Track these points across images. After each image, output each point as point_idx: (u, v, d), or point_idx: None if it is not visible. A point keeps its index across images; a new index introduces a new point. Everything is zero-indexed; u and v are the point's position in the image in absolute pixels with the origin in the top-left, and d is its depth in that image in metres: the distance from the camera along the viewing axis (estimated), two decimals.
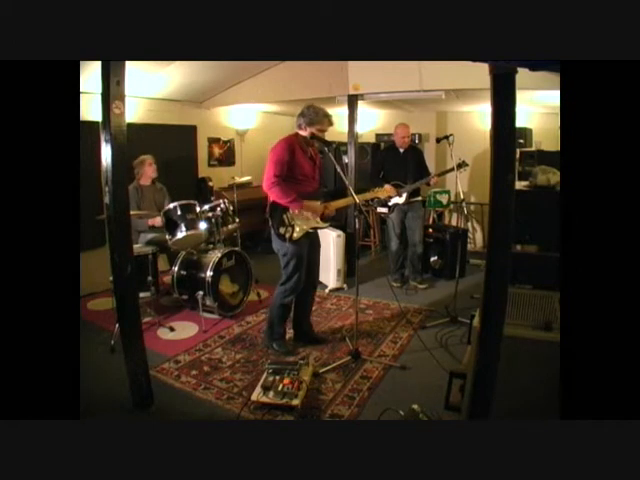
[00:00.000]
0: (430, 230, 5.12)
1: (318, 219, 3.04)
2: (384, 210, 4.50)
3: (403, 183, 4.36)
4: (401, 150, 4.46)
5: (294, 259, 2.99)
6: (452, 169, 3.94)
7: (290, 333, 3.40)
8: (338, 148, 5.60)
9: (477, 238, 6.27)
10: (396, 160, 4.45)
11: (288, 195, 2.87)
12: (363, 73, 4.52)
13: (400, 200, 4.37)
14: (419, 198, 4.57)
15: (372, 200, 4.49)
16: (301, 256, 3.01)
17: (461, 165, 3.97)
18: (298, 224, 2.95)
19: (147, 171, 4.08)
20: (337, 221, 5.12)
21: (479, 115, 5.99)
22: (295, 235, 2.94)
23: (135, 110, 4.67)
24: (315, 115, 2.92)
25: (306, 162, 3.01)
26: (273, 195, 2.91)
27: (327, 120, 2.96)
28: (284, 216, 2.95)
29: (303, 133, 2.98)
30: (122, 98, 2.16)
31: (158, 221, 3.87)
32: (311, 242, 3.10)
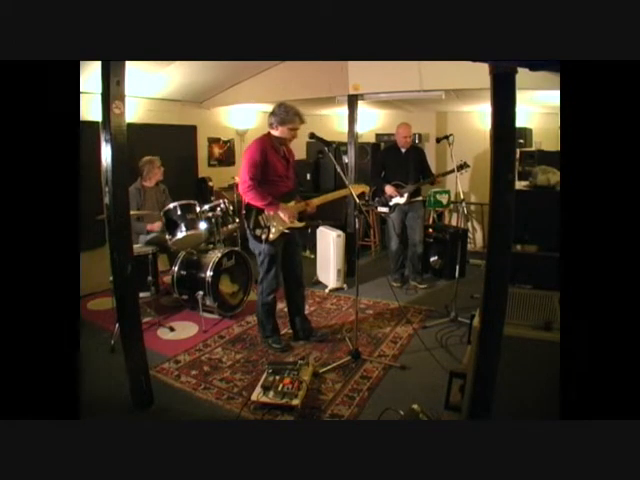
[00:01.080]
0: (430, 230, 5.12)
1: (294, 219, 3.05)
2: (385, 210, 4.50)
3: (404, 183, 4.35)
4: (403, 150, 4.44)
5: (267, 258, 3.03)
6: (453, 170, 3.94)
7: (290, 333, 3.41)
8: (338, 148, 5.61)
9: (477, 238, 6.27)
10: (397, 160, 4.43)
11: (264, 198, 2.89)
12: (363, 73, 4.52)
13: (401, 200, 4.36)
14: (420, 198, 4.55)
15: (373, 199, 4.49)
16: (275, 255, 3.03)
17: (462, 166, 3.97)
18: (274, 225, 2.97)
19: (156, 173, 4.08)
20: (337, 221, 5.13)
21: (479, 115, 5.99)
22: (271, 236, 2.97)
23: (135, 110, 4.67)
24: (286, 114, 2.91)
25: (279, 162, 3.01)
26: (249, 198, 2.93)
27: (298, 118, 2.95)
28: (260, 217, 2.96)
29: (275, 132, 2.98)
30: (122, 98, 2.16)
31: (157, 227, 3.87)
32: (288, 241, 3.11)
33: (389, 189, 4.35)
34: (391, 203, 4.42)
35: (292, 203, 3.04)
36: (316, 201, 3.14)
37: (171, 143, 5.17)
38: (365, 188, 3.38)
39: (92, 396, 2.27)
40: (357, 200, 2.88)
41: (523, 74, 1.53)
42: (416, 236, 4.51)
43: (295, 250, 3.23)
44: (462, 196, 3.81)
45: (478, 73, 1.87)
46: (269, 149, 2.95)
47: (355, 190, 3.13)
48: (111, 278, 2.57)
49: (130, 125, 2.31)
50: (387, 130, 6.61)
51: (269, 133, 3.01)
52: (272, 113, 2.96)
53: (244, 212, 3.03)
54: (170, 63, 4.06)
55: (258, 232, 2.97)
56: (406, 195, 4.34)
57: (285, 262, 3.15)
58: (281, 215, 2.95)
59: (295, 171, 3.24)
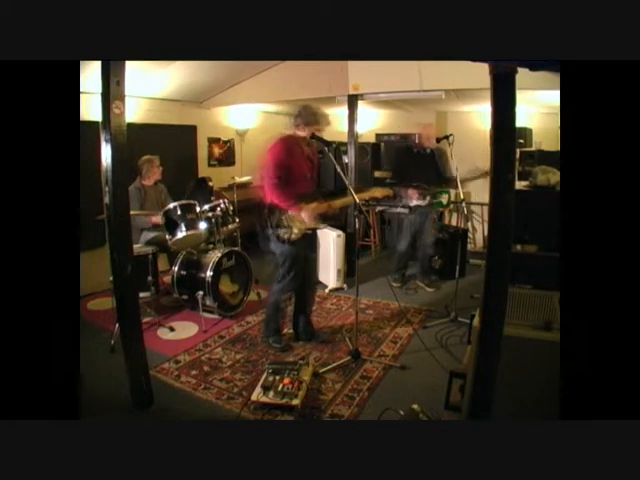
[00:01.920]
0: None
1: (317, 220, 3.04)
2: (405, 211, 4.44)
3: (426, 184, 4.27)
4: (425, 151, 4.35)
5: (290, 259, 3.02)
6: (479, 176, 3.91)
7: (291, 333, 3.41)
8: (338, 148, 5.61)
9: (477, 238, 6.27)
10: (420, 161, 4.35)
11: (289, 198, 2.88)
12: (363, 73, 4.51)
13: (423, 202, 4.30)
14: (436, 200, 4.48)
15: (394, 199, 4.45)
16: (297, 256, 3.02)
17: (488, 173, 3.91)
18: (297, 225, 2.96)
19: (155, 172, 4.09)
20: (337, 221, 5.12)
21: (479, 115, 5.99)
22: (293, 237, 2.95)
23: (135, 110, 4.67)
24: (313, 116, 2.94)
25: (304, 162, 3.02)
26: (274, 197, 2.91)
27: (324, 120, 2.98)
28: (282, 217, 2.95)
29: (301, 133, 2.99)
30: (122, 98, 2.16)
31: (160, 219, 3.86)
32: (308, 242, 3.10)
33: (412, 192, 4.27)
34: (412, 204, 4.35)
35: (314, 204, 3.02)
36: (338, 203, 3.13)
37: (171, 143, 5.17)
38: (389, 192, 3.38)
39: (92, 396, 2.28)
40: (357, 200, 2.88)
41: (523, 74, 1.52)
42: (430, 237, 4.48)
43: (310, 251, 3.23)
44: (462, 196, 3.81)
45: (478, 73, 1.86)
46: (295, 149, 2.96)
47: (379, 193, 3.17)
48: (111, 278, 2.57)
49: (130, 125, 2.31)
50: (387, 130, 6.61)
51: (294, 133, 3.02)
52: (298, 115, 2.98)
53: (267, 212, 2.98)
54: (170, 63, 4.06)
55: (281, 232, 2.95)
56: (428, 198, 4.28)
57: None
58: (304, 215, 2.94)
59: (318, 172, 3.24)
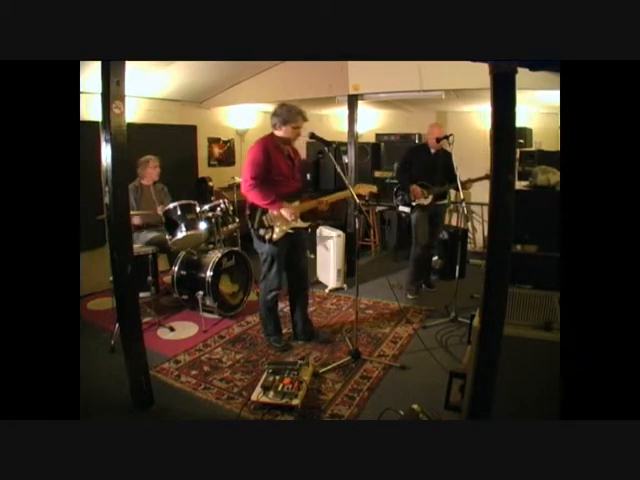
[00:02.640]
0: None
1: (299, 219, 3.04)
2: (406, 209, 4.33)
3: (430, 184, 4.16)
4: (432, 151, 4.22)
5: (269, 258, 3.04)
6: (484, 177, 3.86)
7: (290, 333, 3.41)
8: (338, 148, 5.61)
9: (477, 238, 6.27)
10: (425, 160, 4.24)
11: (266, 197, 2.88)
12: (363, 73, 4.51)
13: (425, 202, 4.19)
14: (446, 201, 4.41)
15: (396, 197, 4.40)
16: (277, 256, 3.03)
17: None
18: (278, 225, 2.97)
19: (150, 173, 4.09)
20: (337, 221, 5.13)
21: (479, 115, 5.98)
22: (275, 237, 2.96)
23: (135, 110, 4.67)
24: (288, 113, 2.92)
25: (283, 162, 3.00)
26: (251, 198, 2.93)
27: (301, 117, 2.95)
28: (263, 218, 2.95)
29: (279, 133, 2.98)
30: (122, 98, 2.16)
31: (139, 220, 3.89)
32: (292, 243, 3.10)
33: (416, 189, 4.14)
34: (414, 203, 4.22)
35: (296, 203, 3.01)
36: (328, 199, 3.13)
37: (171, 143, 5.17)
38: (373, 188, 3.34)
39: (92, 396, 2.28)
40: (357, 200, 2.88)
41: (523, 74, 1.52)
42: (432, 241, 4.41)
43: (300, 252, 3.23)
44: (462, 196, 3.79)
45: (478, 73, 1.86)
46: (272, 149, 2.94)
47: (364, 190, 3.14)
48: (111, 278, 2.57)
49: (130, 125, 2.31)
50: (387, 130, 6.61)
51: (272, 133, 3.01)
52: (274, 114, 2.96)
53: (248, 212, 3.02)
54: (170, 63, 4.06)
55: (262, 232, 2.96)
56: (431, 197, 4.17)
57: (289, 264, 3.15)
58: (283, 214, 2.94)
59: (301, 172, 3.22)
